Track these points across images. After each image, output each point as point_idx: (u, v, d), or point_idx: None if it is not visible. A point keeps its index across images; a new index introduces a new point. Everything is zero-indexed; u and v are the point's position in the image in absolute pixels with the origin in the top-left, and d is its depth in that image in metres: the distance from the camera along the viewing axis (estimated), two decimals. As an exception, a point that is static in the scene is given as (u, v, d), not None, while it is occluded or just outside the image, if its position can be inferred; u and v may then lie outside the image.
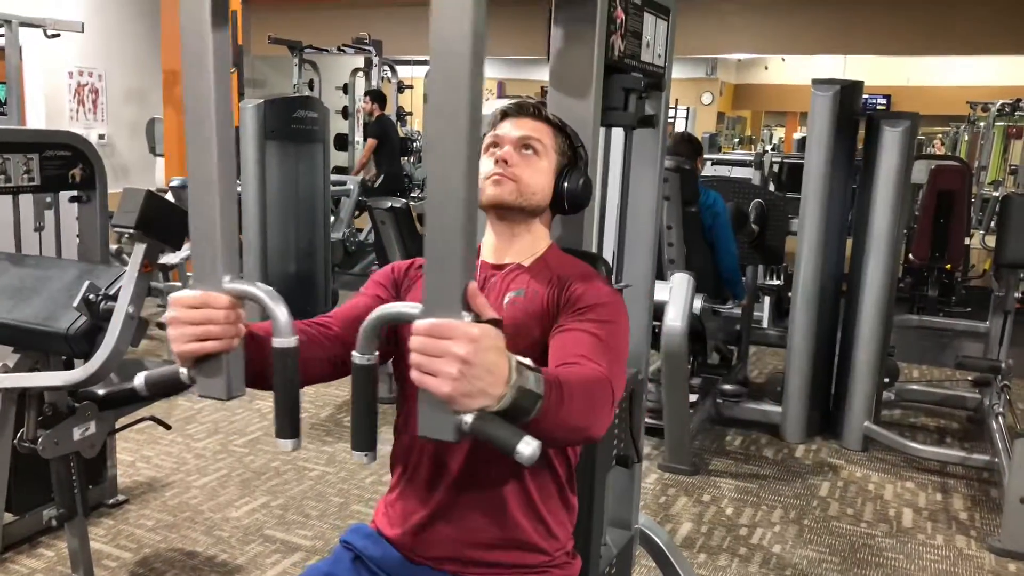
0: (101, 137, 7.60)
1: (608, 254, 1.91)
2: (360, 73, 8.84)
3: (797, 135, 14.45)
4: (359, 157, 8.17)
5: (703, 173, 4.33)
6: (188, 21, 0.98)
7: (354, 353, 1.00)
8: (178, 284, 4.94)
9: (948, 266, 5.61)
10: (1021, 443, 2.80)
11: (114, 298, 1.85)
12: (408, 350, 0.89)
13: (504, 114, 1.42)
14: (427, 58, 0.86)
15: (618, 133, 1.89)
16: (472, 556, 1.32)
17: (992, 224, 7.65)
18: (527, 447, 0.89)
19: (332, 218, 6.10)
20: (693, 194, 3.56)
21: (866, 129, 3.81)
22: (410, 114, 9.42)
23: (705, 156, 4.97)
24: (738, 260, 3.91)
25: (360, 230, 7.37)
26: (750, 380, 4.57)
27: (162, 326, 4.62)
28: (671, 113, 7.52)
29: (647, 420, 2.88)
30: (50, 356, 2.03)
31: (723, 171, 6.62)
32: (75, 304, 1.83)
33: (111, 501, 2.97)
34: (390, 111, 8.35)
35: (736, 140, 16.55)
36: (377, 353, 1.01)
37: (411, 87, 9.32)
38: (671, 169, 3.39)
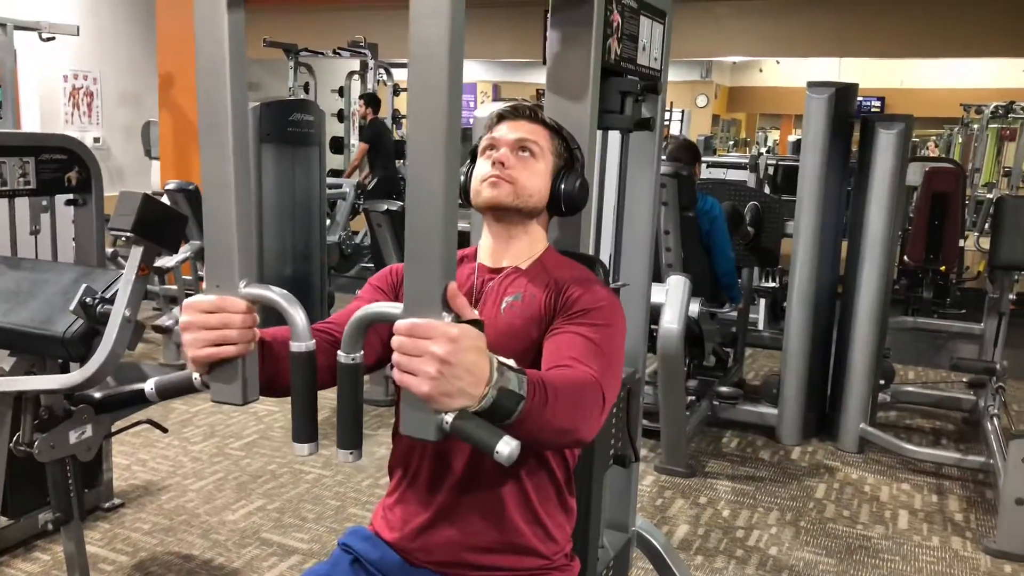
0: (96, 140, 7.58)
1: (605, 256, 1.91)
2: (356, 76, 8.85)
3: (792, 137, 14.51)
4: (352, 160, 8.20)
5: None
6: (201, 3, 0.96)
7: (339, 352, 1.00)
8: (174, 288, 4.93)
9: (943, 268, 5.62)
10: (1016, 444, 2.81)
11: (111, 301, 1.85)
12: None
13: (500, 117, 1.41)
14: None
15: (615, 136, 1.89)
16: (471, 560, 1.32)
17: (986, 226, 7.69)
18: (506, 447, 0.89)
19: (328, 221, 6.09)
20: (691, 199, 3.57)
21: (861, 131, 3.82)
22: (405, 117, 9.40)
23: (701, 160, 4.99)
24: (735, 264, 3.93)
25: (356, 233, 7.37)
26: (746, 382, 4.58)
27: (159, 329, 4.59)
28: (666, 116, 7.53)
29: (643, 423, 2.88)
30: (46, 359, 2.02)
31: (718, 174, 6.63)
32: (71, 307, 1.83)
33: (107, 505, 2.96)
34: (385, 114, 8.35)
35: (731, 143, 16.58)
36: (362, 352, 1.01)
37: (407, 90, 9.30)
38: (669, 174, 3.40)
